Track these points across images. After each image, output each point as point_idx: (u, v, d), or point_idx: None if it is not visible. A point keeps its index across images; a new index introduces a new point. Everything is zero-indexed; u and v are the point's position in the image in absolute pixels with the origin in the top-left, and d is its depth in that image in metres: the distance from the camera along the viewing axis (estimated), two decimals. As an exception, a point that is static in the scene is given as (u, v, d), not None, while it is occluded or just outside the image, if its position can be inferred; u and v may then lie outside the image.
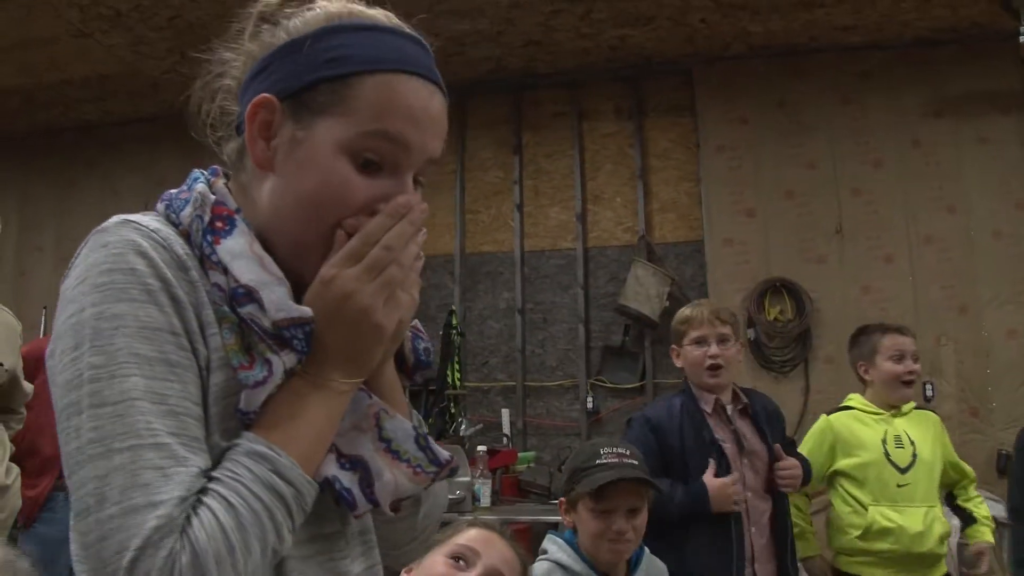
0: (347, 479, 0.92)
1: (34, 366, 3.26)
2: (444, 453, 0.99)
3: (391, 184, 0.92)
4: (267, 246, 0.92)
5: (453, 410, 5.29)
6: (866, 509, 3.06)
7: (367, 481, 0.93)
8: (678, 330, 2.96)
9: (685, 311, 2.99)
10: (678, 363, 2.98)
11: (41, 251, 6.68)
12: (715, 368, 2.84)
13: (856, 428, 3.19)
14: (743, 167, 5.64)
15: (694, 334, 2.89)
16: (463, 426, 5.16)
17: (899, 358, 3.19)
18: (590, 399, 5.61)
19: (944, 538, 3.05)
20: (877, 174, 5.42)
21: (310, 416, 0.88)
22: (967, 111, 5.34)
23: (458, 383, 5.43)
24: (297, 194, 0.91)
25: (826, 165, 5.51)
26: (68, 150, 6.85)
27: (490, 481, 4.58)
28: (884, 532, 3.01)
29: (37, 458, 3.44)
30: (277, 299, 0.87)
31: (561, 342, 5.80)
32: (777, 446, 2.80)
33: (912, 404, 3.27)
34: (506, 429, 5.52)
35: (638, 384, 5.61)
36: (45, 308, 6.11)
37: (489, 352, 5.88)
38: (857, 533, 3.05)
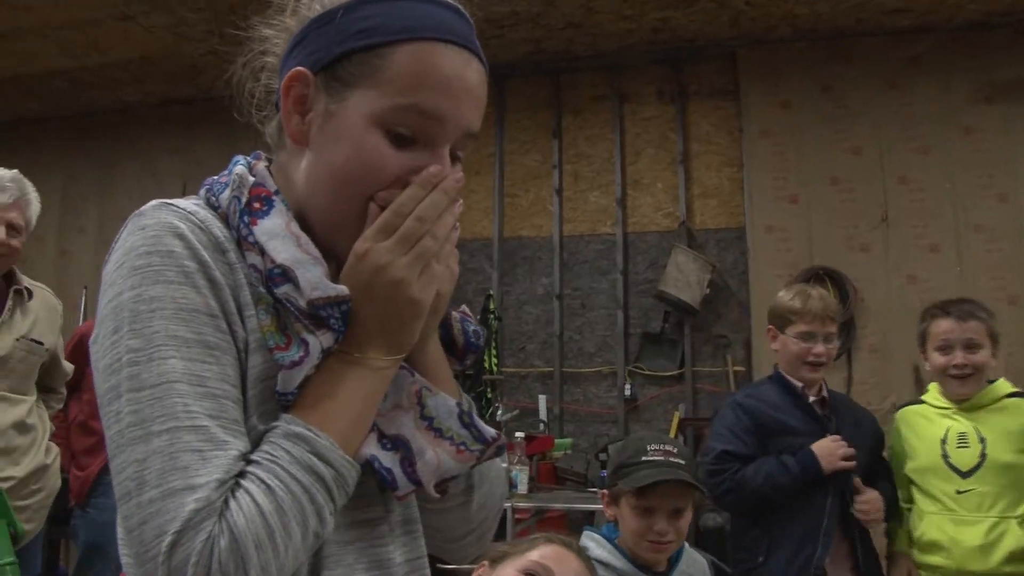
0: (388, 459, 0.90)
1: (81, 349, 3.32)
2: (490, 430, 0.96)
3: (425, 157, 0.90)
4: (305, 225, 0.91)
5: (490, 395, 5.27)
6: (922, 519, 2.74)
7: (409, 460, 0.91)
8: (784, 317, 2.88)
9: (795, 302, 2.86)
10: (774, 346, 2.94)
11: (83, 232, 6.75)
12: (817, 365, 2.83)
13: (920, 425, 2.85)
14: (786, 152, 5.54)
15: (803, 328, 2.83)
16: (500, 412, 5.15)
17: (946, 349, 2.79)
18: (628, 386, 5.56)
19: (1021, 556, 2.59)
20: (924, 161, 5.30)
21: (349, 395, 0.86)
22: (1020, 97, 5.20)
23: (495, 369, 5.42)
24: (330, 168, 0.90)
25: (872, 151, 5.40)
26: (110, 131, 6.90)
27: (527, 468, 4.56)
28: (934, 545, 2.69)
29: (91, 439, 3.49)
30: (313, 278, 0.86)
31: (599, 328, 5.76)
32: (856, 480, 2.71)
33: (1003, 391, 2.80)
34: (543, 415, 5.51)
35: (677, 372, 5.55)
36: (86, 288, 6.17)
37: (527, 338, 5.85)
38: (908, 541, 2.79)
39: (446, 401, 0.94)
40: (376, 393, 0.89)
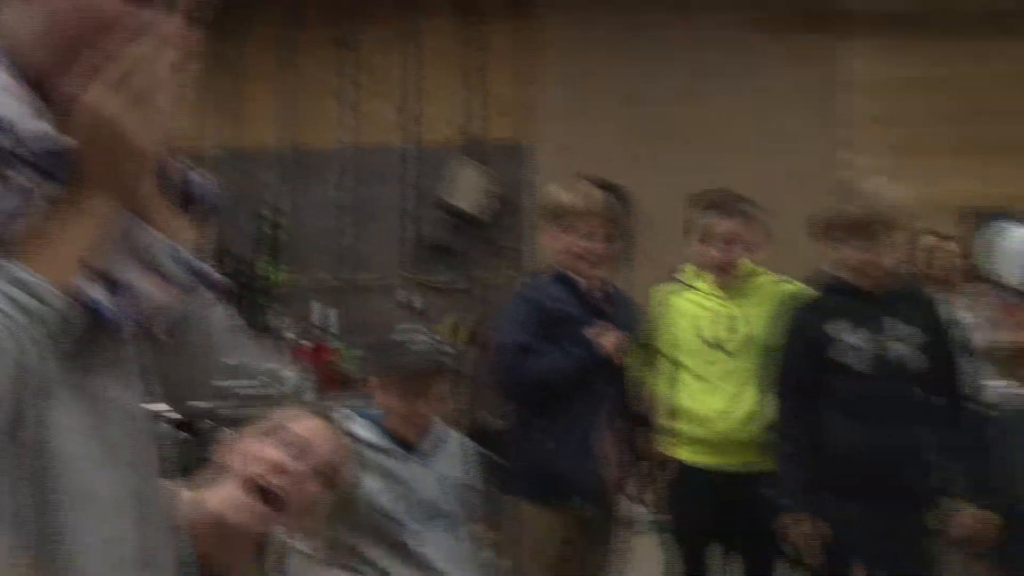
0: (105, 297, 0.91)
1: None
2: (203, 264, 1.01)
3: (150, 10, 0.91)
4: (25, 76, 0.89)
5: (272, 305, 5.18)
6: (676, 390, 2.94)
7: (125, 298, 0.93)
8: (563, 216, 2.88)
9: (573, 202, 2.88)
10: (555, 245, 2.93)
11: None
12: (595, 263, 2.87)
13: (686, 309, 3.00)
14: (580, 70, 5.64)
15: (582, 227, 2.85)
16: (281, 321, 5.06)
17: (724, 246, 2.93)
18: (414, 297, 5.61)
19: (756, 420, 2.80)
20: (709, 83, 5.52)
21: (67, 239, 0.87)
22: (794, 26, 5.48)
23: (277, 278, 5.30)
24: (50, 20, 0.89)
25: (662, 71, 5.57)
26: None
27: (308, 375, 4.52)
28: (685, 413, 2.91)
29: None
30: (33, 128, 0.85)
31: (386, 240, 5.74)
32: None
33: (766, 279, 3.02)
34: (325, 325, 5.48)
35: (462, 283, 5.64)
36: None
37: (311, 248, 5.75)
38: (666, 413, 2.96)
39: (160, 240, 0.96)
40: (96, 238, 0.90)
